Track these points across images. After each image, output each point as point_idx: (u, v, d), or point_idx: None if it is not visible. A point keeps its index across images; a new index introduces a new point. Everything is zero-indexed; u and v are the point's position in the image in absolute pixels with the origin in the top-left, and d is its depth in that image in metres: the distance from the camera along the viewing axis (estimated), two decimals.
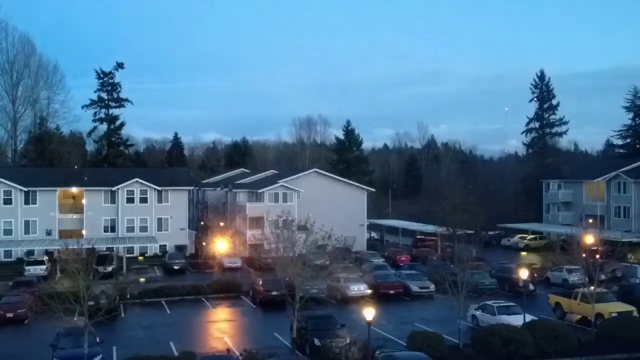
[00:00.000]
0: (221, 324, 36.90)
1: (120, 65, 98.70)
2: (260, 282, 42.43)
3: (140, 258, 61.25)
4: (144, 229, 64.61)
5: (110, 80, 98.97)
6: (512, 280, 42.85)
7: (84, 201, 64.11)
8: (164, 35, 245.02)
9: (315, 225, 37.72)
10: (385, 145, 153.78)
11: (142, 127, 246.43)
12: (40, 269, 52.13)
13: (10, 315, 36.62)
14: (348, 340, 25.94)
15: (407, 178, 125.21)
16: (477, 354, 27.61)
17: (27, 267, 52.32)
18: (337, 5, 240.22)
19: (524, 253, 69.09)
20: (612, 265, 46.30)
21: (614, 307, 34.16)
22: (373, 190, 75.46)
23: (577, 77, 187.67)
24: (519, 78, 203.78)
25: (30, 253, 58.46)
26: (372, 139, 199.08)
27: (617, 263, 48.90)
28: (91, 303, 26.83)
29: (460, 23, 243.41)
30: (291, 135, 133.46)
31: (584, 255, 34.09)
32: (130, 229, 64.08)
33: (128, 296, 42.50)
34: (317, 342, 28.11)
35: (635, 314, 33.98)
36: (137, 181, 64.94)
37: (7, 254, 60.36)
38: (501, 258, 58.90)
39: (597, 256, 37.60)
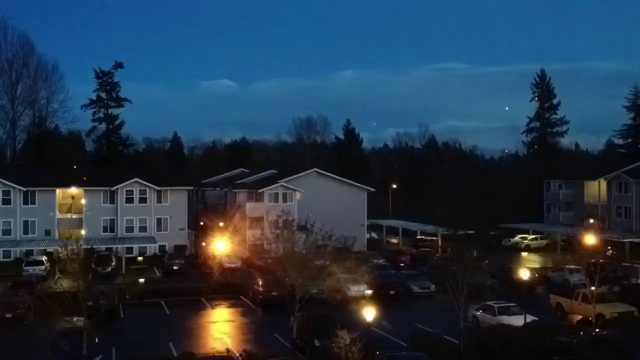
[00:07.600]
0: (221, 325, 36.80)
1: (119, 65, 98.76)
2: (260, 282, 42.27)
3: (140, 258, 60.96)
4: (143, 229, 64.35)
5: (109, 80, 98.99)
6: (512, 280, 42.70)
7: (83, 201, 63.87)
8: (164, 34, 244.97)
9: (315, 225, 37.59)
10: (386, 145, 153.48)
11: (142, 126, 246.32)
12: (39, 269, 51.76)
13: (9, 315, 36.39)
14: (348, 341, 25.79)
15: (407, 178, 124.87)
16: (477, 355, 27.46)
17: (26, 268, 51.99)
18: (339, 6, 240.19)
19: (524, 253, 68.94)
20: (613, 265, 46.13)
21: (615, 308, 34.07)
22: (373, 190, 75.21)
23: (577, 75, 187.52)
24: (520, 77, 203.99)
25: (29, 253, 58.16)
26: (372, 139, 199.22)
27: (618, 263, 48.71)
28: (90, 303, 26.71)
29: (460, 23, 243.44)
30: (291, 135, 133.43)
31: (584, 255, 34.00)
32: (130, 229, 63.83)
33: (127, 297, 42.28)
34: (317, 342, 27.98)
35: (636, 314, 33.87)
36: (136, 181, 64.69)
37: (6, 254, 59.91)
38: (502, 258, 58.68)
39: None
